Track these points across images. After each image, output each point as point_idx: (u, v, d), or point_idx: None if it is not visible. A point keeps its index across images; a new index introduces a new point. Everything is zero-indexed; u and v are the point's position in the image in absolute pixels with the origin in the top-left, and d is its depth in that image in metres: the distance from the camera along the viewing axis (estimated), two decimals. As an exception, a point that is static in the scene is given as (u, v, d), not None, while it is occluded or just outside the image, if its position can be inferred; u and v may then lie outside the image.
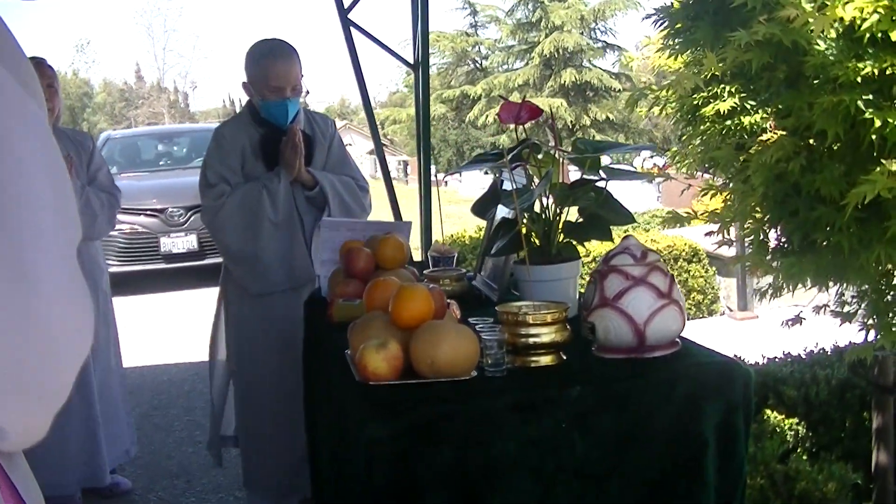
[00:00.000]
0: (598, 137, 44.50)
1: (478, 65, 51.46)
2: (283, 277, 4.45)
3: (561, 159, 2.90)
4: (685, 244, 10.51)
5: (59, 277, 1.03)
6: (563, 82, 44.89)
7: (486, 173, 3.31)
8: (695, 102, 3.47)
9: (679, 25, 3.31)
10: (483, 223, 3.71)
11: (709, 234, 3.78)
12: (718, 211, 3.56)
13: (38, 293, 1.00)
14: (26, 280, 0.99)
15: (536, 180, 2.92)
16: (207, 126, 21.00)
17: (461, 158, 48.27)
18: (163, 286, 13.30)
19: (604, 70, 45.59)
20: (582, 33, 46.24)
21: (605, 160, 2.91)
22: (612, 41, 47.48)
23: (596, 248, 9.43)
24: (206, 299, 11.98)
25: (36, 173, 1.03)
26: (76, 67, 71.58)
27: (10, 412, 1.03)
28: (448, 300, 2.78)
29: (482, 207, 3.26)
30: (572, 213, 2.92)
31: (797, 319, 3.65)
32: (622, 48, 46.50)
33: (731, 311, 10.80)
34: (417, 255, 5.20)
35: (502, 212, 3.15)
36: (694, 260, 10.60)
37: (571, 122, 44.52)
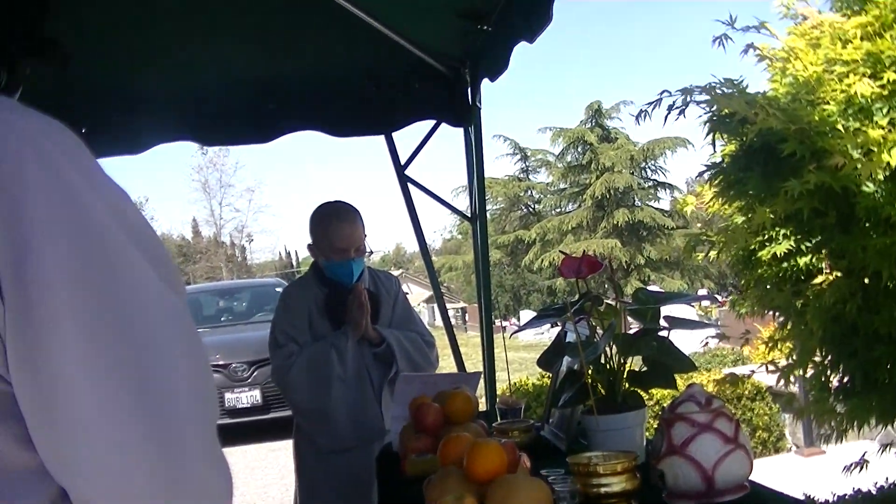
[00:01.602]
0: (653, 276, 44.46)
1: (531, 209, 51.86)
2: (353, 433, 4.49)
3: (623, 310, 2.98)
4: (748, 383, 10.44)
5: (206, 451, 1.16)
6: (616, 222, 45.08)
7: (552, 326, 3.37)
8: (751, 247, 3.54)
9: (731, 178, 3.40)
10: (546, 373, 3.76)
11: (772, 371, 3.80)
12: (778, 360, 3.60)
13: (188, 465, 1.12)
14: (179, 456, 1.12)
15: (599, 331, 2.99)
16: (267, 281, 21.25)
17: (518, 303, 48.29)
18: (228, 441, 13.04)
19: (656, 209, 45.79)
20: (632, 173, 46.57)
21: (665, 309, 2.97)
22: (663, 179, 47.78)
23: (658, 393, 9.40)
24: (272, 453, 12.04)
25: (180, 359, 1.15)
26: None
27: None
28: (519, 452, 2.84)
29: (548, 360, 3.31)
30: (636, 363, 2.97)
31: (861, 463, 3.65)
32: (673, 185, 46.81)
33: (797, 448, 10.67)
34: (483, 404, 5.24)
35: (568, 363, 3.21)
36: (757, 398, 10.52)
37: (626, 261, 44.55)
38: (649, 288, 3.17)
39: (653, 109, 3.57)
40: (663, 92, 3.51)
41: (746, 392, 10.43)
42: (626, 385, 2.94)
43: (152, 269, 1.14)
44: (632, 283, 41.90)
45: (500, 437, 3.01)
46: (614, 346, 2.90)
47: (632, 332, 2.98)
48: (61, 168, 1.08)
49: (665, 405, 3.08)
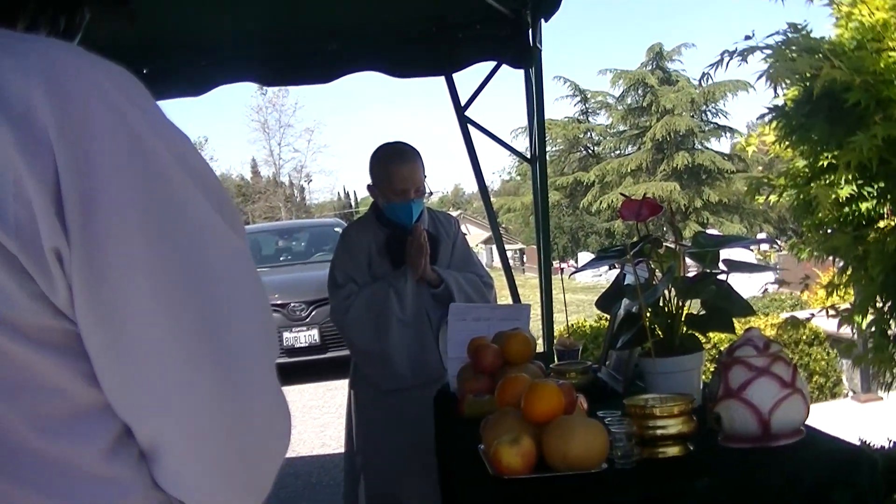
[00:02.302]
0: (711, 220, 44.14)
1: (590, 151, 51.59)
2: (413, 374, 4.51)
3: (682, 253, 2.98)
4: (806, 328, 10.37)
5: (269, 389, 1.19)
6: (675, 165, 44.75)
7: (611, 269, 3.38)
8: (812, 191, 3.52)
9: (793, 123, 3.38)
10: (603, 315, 3.77)
11: (832, 316, 3.79)
12: (838, 305, 3.59)
13: (253, 403, 1.16)
14: (244, 394, 1.15)
15: (658, 274, 3.00)
16: (326, 221, 21.33)
17: (576, 245, 48.19)
18: (286, 380, 13.03)
19: (716, 152, 45.35)
20: (693, 116, 46.13)
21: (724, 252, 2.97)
22: (724, 122, 47.29)
23: (715, 337, 9.36)
24: (329, 393, 12.14)
25: (245, 298, 1.18)
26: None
27: (218, 501, 1.19)
28: (576, 394, 2.86)
29: (606, 302, 3.31)
30: (694, 305, 2.98)
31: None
32: (734, 129, 46.27)
33: (854, 393, 10.62)
34: (540, 345, 5.25)
35: (626, 306, 3.22)
36: (815, 343, 10.47)
37: (685, 204, 44.23)
38: (708, 231, 3.17)
39: (715, 70, 3.57)
40: (723, 52, 3.50)
41: (804, 337, 10.38)
42: (684, 328, 2.95)
43: (215, 211, 1.17)
44: (690, 227, 41.66)
45: (557, 379, 3.02)
46: (673, 290, 2.91)
47: (691, 275, 2.99)
48: (126, 113, 1.10)
49: (722, 349, 3.08)
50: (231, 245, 1.18)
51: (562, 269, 35.28)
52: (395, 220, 4.58)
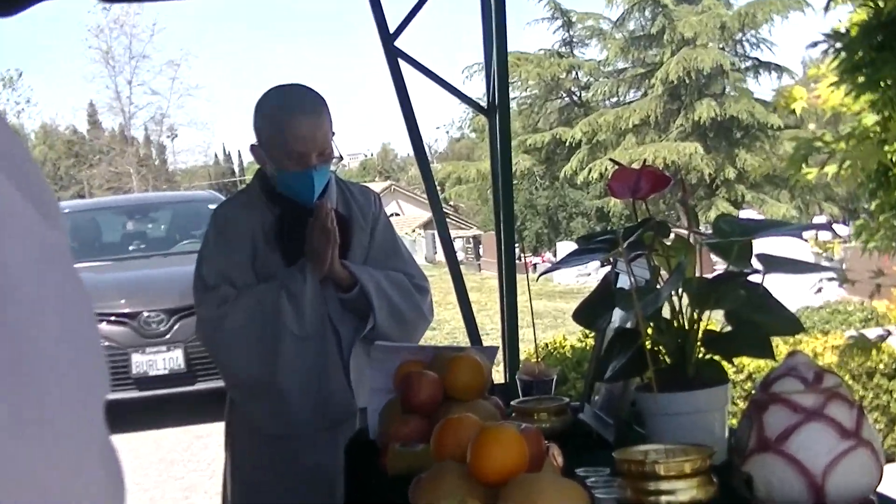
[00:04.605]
0: (749, 197, 44.38)
1: (575, 97, 51.78)
2: (312, 413, 4.49)
3: (698, 245, 2.98)
4: (883, 352, 10.16)
5: (86, 442, 1.16)
6: (697, 119, 44.88)
7: (602, 265, 3.38)
8: (890, 158, 3.52)
9: (858, 57, 3.38)
10: (588, 332, 3.77)
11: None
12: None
13: (58, 464, 1.13)
14: (44, 451, 1.12)
15: (664, 274, 2.99)
16: (197, 195, 21.10)
17: (554, 231, 48.39)
18: (135, 423, 13.11)
19: (756, 100, 45.35)
20: (723, 48, 46.24)
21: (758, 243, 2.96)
22: (768, 58, 47.42)
23: (751, 365, 9.37)
24: (198, 441, 12.11)
25: (53, 313, 1.15)
26: (2, 110, 71.61)
27: None
28: (547, 443, 2.86)
29: (590, 313, 3.28)
30: (716, 318, 2.98)
31: None
32: (782, 67, 46.35)
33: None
34: (498, 377, 5.25)
35: (619, 319, 3.21)
36: (896, 374, 10.31)
37: (711, 174, 44.42)
38: (741, 214, 3.17)
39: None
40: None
41: (880, 365, 10.15)
42: (701, 351, 2.95)
43: (16, 189, 1.14)
44: (718, 206, 41.88)
45: (520, 422, 3.02)
46: (685, 296, 2.91)
47: (711, 276, 2.99)
48: None
49: (757, 381, 3.09)
50: (37, 240, 1.16)
51: (534, 266, 35.60)
52: (290, 196, 4.55)
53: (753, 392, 2.68)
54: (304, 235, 4.47)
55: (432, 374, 3.52)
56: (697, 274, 2.96)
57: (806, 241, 16.52)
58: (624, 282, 3.08)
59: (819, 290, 5.49)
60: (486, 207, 48.97)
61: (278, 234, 4.56)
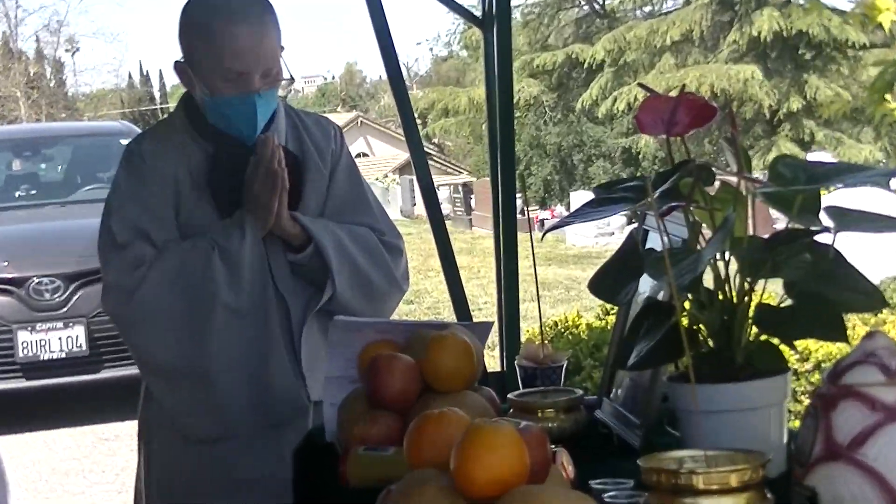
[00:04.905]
0: (821, 135, 44.35)
1: (597, 5, 51.71)
2: (252, 409, 4.47)
3: (751, 195, 2.98)
4: None
5: None
6: (755, 35, 44.76)
7: (629, 223, 3.37)
8: None
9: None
10: (609, 306, 3.77)
11: None
12: None
13: None
14: None
15: (707, 233, 3.00)
16: (105, 126, 21.01)
17: (568, 179, 48.38)
18: (22, 421, 13.09)
19: (833, 10, 45.20)
20: (792, -61, 46.11)
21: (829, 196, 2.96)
22: (851, -46, 47.26)
23: (818, 350, 9.37)
24: (103, 445, 12.09)
25: None
26: None
27: None
28: (554, 447, 2.86)
29: (610, 283, 3.26)
30: (773, 289, 2.99)
31: None
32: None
33: None
34: (492, 362, 5.25)
35: (648, 289, 3.21)
36: None
37: (772, 106, 44.32)
38: (810, 157, 3.17)
39: None
40: None
41: None
42: (754, 332, 2.96)
43: None
44: (781, 146, 41.75)
45: (519, 420, 2.99)
46: (732, 260, 2.92)
47: (767, 235, 3.00)
48: None
49: (825, 369, 3.11)
50: None
51: (540, 223, 35.61)
52: (225, 129, 4.52)
53: (821, 385, 2.69)
54: (244, 180, 4.44)
55: (407, 358, 3.52)
56: (749, 232, 2.96)
57: (893, 191, 16.52)
58: (655, 242, 3.08)
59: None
60: (480, 147, 48.74)
61: (210, 177, 4.51)
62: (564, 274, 19.91)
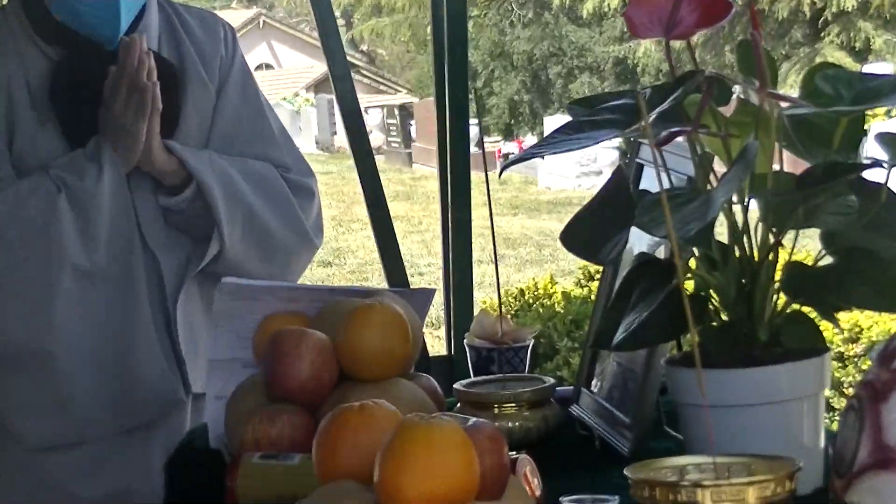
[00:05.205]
0: (878, 42, 44.64)
1: None
2: (110, 405, 4.44)
3: (777, 114, 2.92)
4: None
5: None
6: None
7: (625, 159, 3.32)
8: None
9: None
10: (590, 266, 3.74)
11: None
12: None
13: None
14: None
15: (720, 169, 2.95)
16: None
17: (541, 98, 48.65)
18: None
19: None
20: None
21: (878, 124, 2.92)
22: None
23: (870, 326, 9.36)
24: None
25: None
26: None
27: None
28: (514, 452, 2.83)
29: (590, 234, 3.22)
30: (806, 244, 2.95)
31: None
32: None
33: None
34: (436, 343, 5.24)
35: (640, 243, 3.17)
36: None
37: (815, 3, 44.49)
38: (865, 69, 3.11)
39: None
40: None
41: None
42: (782, 301, 2.92)
43: None
44: (827, 55, 41.99)
45: (468, 416, 2.95)
46: (753, 205, 2.87)
47: (800, 172, 2.95)
48: None
49: (873, 349, 3.07)
50: None
51: (504, 157, 35.85)
52: (76, 28, 4.48)
53: (867, 370, 2.65)
54: (101, 96, 4.38)
55: (319, 334, 3.48)
56: (776, 167, 2.91)
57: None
58: (651, 180, 3.04)
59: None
60: (423, 57, 48.94)
61: (55, 93, 4.46)
62: (535, 227, 19.96)
